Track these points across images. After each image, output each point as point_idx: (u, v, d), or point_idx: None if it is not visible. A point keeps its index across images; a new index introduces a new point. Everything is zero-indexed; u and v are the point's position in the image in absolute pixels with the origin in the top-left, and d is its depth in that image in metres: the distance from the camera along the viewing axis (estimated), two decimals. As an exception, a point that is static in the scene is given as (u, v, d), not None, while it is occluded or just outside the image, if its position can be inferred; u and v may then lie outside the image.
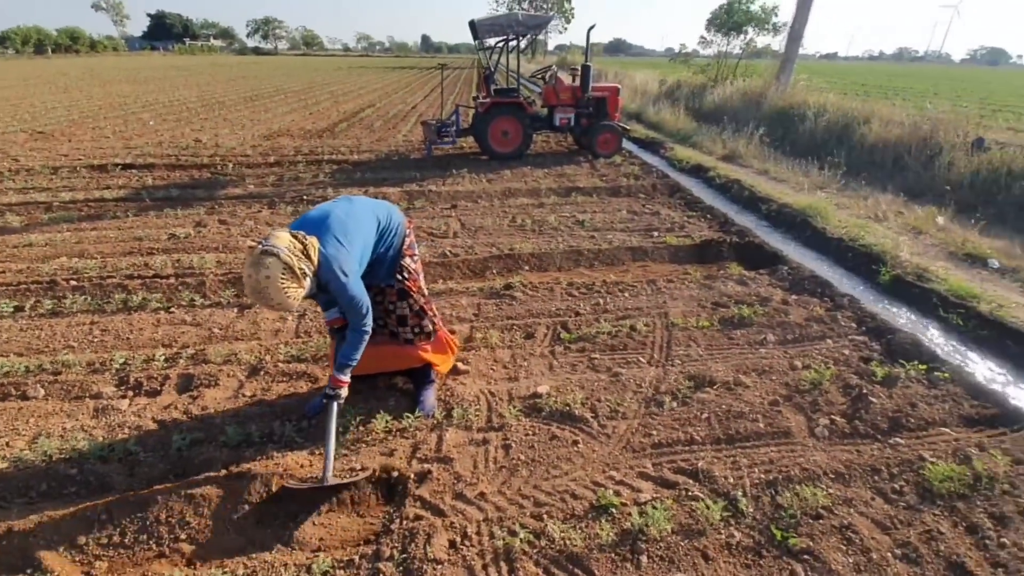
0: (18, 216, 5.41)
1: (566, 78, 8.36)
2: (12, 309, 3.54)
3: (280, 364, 2.94)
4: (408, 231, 2.49)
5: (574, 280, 4.08)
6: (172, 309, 3.57)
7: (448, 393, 2.72)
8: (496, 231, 5.12)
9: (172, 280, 3.89)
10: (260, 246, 1.80)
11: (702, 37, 14.82)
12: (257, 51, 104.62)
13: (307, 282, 1.88)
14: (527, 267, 4.37)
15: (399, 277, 2.43)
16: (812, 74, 13.20)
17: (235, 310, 3.59)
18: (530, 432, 2.44)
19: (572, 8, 49.11)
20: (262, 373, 2.87)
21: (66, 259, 4.30)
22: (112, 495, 2.10)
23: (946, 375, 2.84)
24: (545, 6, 49.13)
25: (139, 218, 5.37)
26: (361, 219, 2.17)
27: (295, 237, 1.88)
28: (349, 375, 2.20)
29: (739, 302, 3.68)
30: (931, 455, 2.31)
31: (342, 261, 1.99)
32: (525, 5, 48.13)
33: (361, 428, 2.45)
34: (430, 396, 2.62)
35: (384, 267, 2.38)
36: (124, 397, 2.70)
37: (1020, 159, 6.06)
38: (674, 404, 2.64)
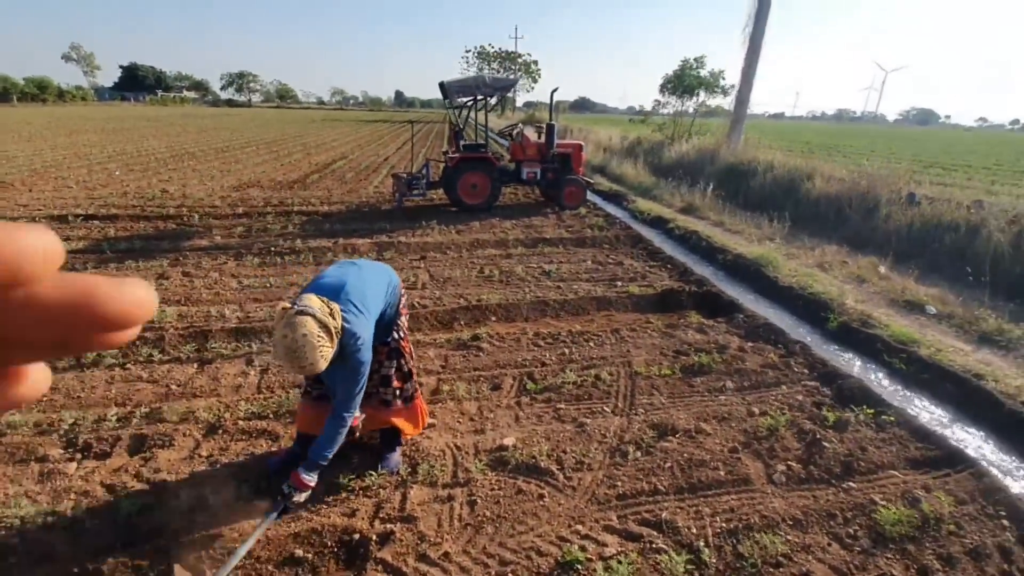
0: (-34, 269, 5.21)
1: (532, 135, 8.77)
2: (-47, 368, 3.37)
3: (240, 422, 2.87)
4: (402, 290, 2.56)
5: (540, 330, 4.16)
6: (128, 365, 3.46)
7: (414, 448, 2.70)
8: (464, 282, 5.20)
9: (130, 335, 3.78)
10: (294, 307, 1.83)
11: (657, 100, 15.84)
12: (231, 103, 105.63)
13: (336, 343, 1.89)
14: (494, 318, 4.44)
15: (395, 336, 2.46)
16: (761, 133, 14.21)
17: (195, 365, 3.50)
18: (496, 487, 2.44)
19: (539, 69, 51.85)
20: (220, 432, 2.79)
21: (16, 314, 4.14)
22: (54, 567, 1.98)
23: (892, 418, 2.99)
24: (513, 67, 51.73)
25: (98, 271, 5.25)
26: (374, 285, 2.23)
27: (321, 300, 1.91)
28: (316, 477, 2.11)
29: (699, 350, 3.81)
30: (882, 498, 2.40)
31: (360, 327, 2.03)
32: (495, 65, 50.57)
33: (321, 487, 2.40)
34: (395, 454, 2.59)
35: (383, 326, 2.39)
36: (71, 460, 2.57)
37: (948, 212, 6.59)
38: (638, 454, 2.68)
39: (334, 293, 2.07)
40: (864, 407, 3.09)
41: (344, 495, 2.37)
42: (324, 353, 1.84)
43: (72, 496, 2.33)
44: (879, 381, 3.71)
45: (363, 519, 2.22)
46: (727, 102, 14.17)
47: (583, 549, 2.09)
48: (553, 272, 5.49)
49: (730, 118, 13.24)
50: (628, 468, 2.59)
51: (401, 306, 2.52)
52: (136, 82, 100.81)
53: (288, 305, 1.88)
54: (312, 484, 2.12)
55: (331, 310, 1.93)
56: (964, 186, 10.41)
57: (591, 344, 3.95)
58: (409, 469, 2.54)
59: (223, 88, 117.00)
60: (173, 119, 38.72)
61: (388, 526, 2.17)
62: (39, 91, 77.47)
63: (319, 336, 1.82)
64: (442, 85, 7.77)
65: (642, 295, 4.88)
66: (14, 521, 2.17)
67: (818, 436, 2.83)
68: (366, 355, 2.10)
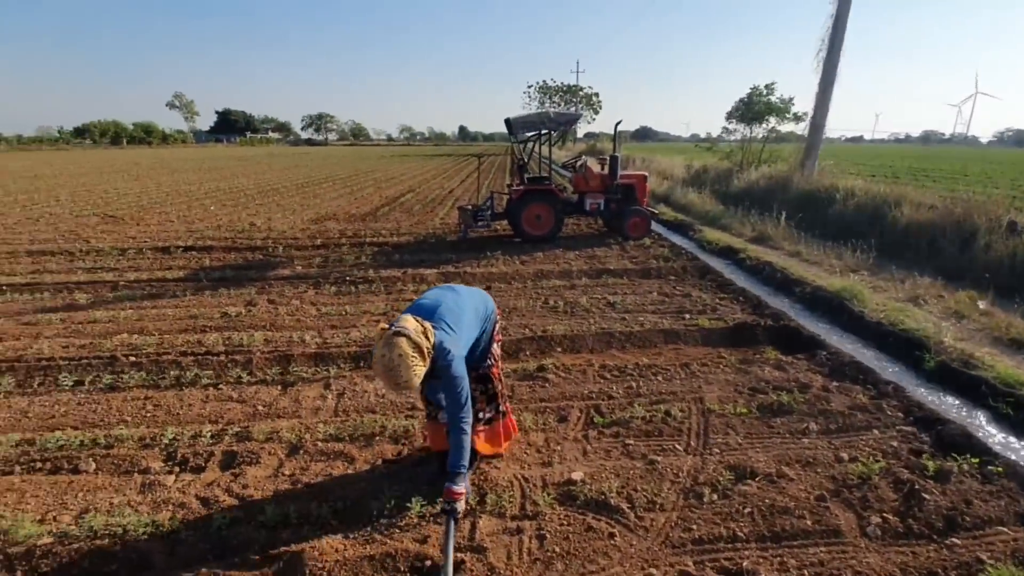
0: (85, 294, 5.87)
1: (595, 166, 8.84)
2: (72, 383, 3.77)
3: (319, 443, 3.01)
4: (498, 316, 2.66)
5: (607, 362, 4.11)
6: (220, 386, 3.74)
7: (481, 477, 2.71)
8: (529, 312, 5.25)
9: (222, 357, 4.10)
10: (392, 328, 1.98)
11: (724, 127, 15.54)
12: (310, 142, 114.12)
13: (428, 361, 2.02)
14: (560, 349, 4.43)
15: (487, 363, 2.57)
16: (838, 158, 13.52)
17: (279, 388, 3.73)
18: (565, 522, 2.40)
19: (600, 101, 52.44)
20: (301, 452, 2.94)
21: (127, 335, 4.60)
22: (152, 574, 2.14)
23: (1000, 469, 2.68)
24: (574, 100, 52.62)
25: (195, 297, 5.75)
26: (465, 308, 2.35)
27: (416, 320, 2.06)
28: (463, 484, 2.19)
29: (778, 388, 3.61)
30: (989, 557, 2.15)
31: (451, 344, 2.14)
32: (556, 99, 51.67)
33: (395, 512, 2.45)
34: (465, 481, 2.62)
35: (479, 351, 2.52)
36: (170, 473, 2.79)
37: (1062, 243, 5.94)
38: (714, 496, 2.55)
39: (430, 313, 2.22)
40: (968, 456, 2.80)
41: (416, 520, 2.41)
42: (416, 372, 1.97)
43: (170, 508, 2.52)
44: (984, 427, 3.35)
45: (435, 546, 2.24)
46: (800, 128, 13.67)
47: (658, 595, 2.00)
48: (618, 303, 5.42)
49: (802, 144, 12.74)
50: (704, 511, 2.47)
51: (495, 332, 2.62)
52: (229, 125, 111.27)
53: (386, 326, 2.02)
54: (463, 492, 2.18)
55: (424, 329, 2.05)
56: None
57: (659, 378, 3.84)
58: (477, 498, 2.55)
59: (303, 128, 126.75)
60: (259, 158, 42.24)
61: (458, 555, 2.18)
62: (146, 135, 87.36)
63: (412, 356, 1.94)
64: (508, 121, 8.04)
65: (713, 328, 4.71)
66: (117, 530, 2.36)
67: (917, 487, 2.58)
68: (459, 369, 2.18)
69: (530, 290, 6.01)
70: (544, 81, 52.78)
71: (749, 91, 14.57)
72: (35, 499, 2.59)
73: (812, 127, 11.76)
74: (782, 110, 14.92)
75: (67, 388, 3.71)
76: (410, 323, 2.03)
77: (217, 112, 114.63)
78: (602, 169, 8.89)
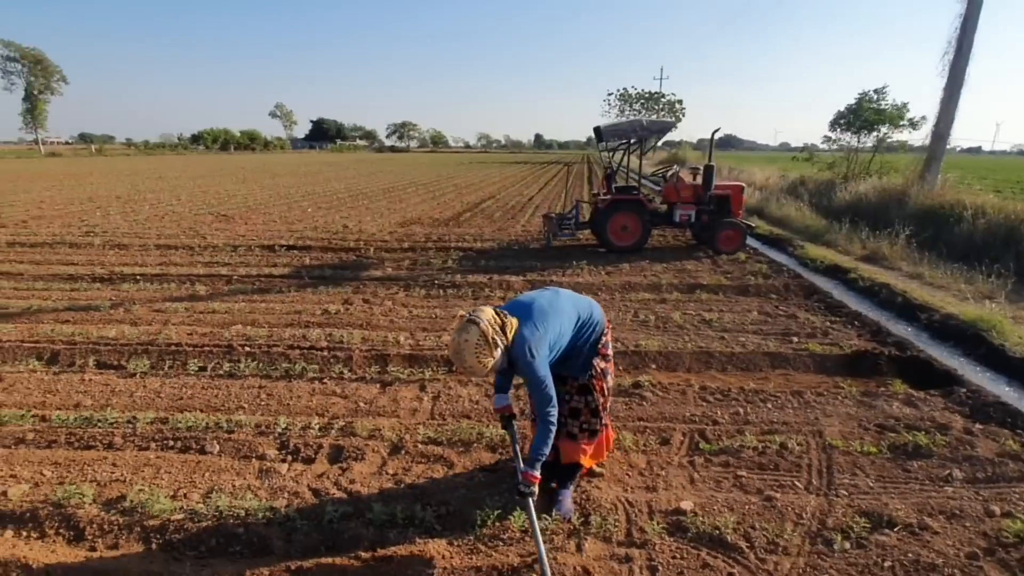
0: (204, 286, 6.41)
1: (687, 176, 8.49)
2: (197, 368, 4.10)
3: (419, 445, 3.05)
4: (607, 330, 2.58)
5: (707, 384, 3.87)
6: (325, 380, 3.92)
7: (583, 496, 2.61)
8: (619, 326, 5.08)
9: (325, 353, 4.30)
10: (468, 315, 2.07)
11: (827, 136, 14.41)
12: (393, 149, 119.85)
13: (498, 353, 2.07)
14: (654, 365, 4.24)
15: (588, 373, 2.50)
16: (957, 169, 12.11)
17: (377, 386, 3.84)
18: (677, 555, 2.25)
19: (683, 108, 50.77)
20: (403, 452, 2.99)
21: (241, 326, 4.95)
22: (272, 559, 2.23)
23: None
24: (656, 107, 51.34)
25: (298, 294, 6.11)
26: (561, 311, 2.32)
27: (497, 313, 2.12)
28: (539, 469, 2.22)
29: (911, 427, 3.22)
30: None
31: (533, 343, 2.14)
32: (637, 107, 50.68)
33: (497, 524, 2.42)
34: (568, 498, 2.55)
35: (578, 361, 2.47)
36: (284, 461, 2.93)
37: None
38: (847, 544, 2.29)
39: (521, 309, 2.25)
40: None
41: (519, 535, 2.35)
42: (483, 360, 2.04)
43: (285, 495, 2.64)
44: None
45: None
46: (919, 136, 12.42)
47: (790, 650, 1.81)
48: (714, 321, 5.13)
49: (919, 153, 11.56)
50: (836, 560, 2.22)
51: (601, 346, 2.52)
52: (321, 133, 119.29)
53: (464, 313, 2.10)
54: (539, 477, 2.20)
55: (503, 323, 2.10)
56: None
57: (769, 406, 3.56)
58: (581, 519, 2.46)
59: (388, 136, 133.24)
60: (348, 164, 44.83)
61: (566, 577, 2.10)
62: (250, 141, 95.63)
63: (478, 343, 2.02)
64: (598, 129, 7.92)
65: (826, 354, 4.32)
66: (239, 512, 2.50)
67: (1101, 559, 2.18)
68: (541, 371, 2.17)
69: (618, 302, 5.84)
70: (624, 89, 51.89)
71: (857, 97, 13.43)
72: (168, 475, 2.80)
73: (935, 136, 10.63)
74: (896, 117, 13.64)
75: (193, 373, 4.04)
76: (487, 314, 2.09)
77: (312, 121, 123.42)
78: (694, 179, 8.53)
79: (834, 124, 13.96)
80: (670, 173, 8.51)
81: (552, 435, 2.23)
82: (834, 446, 3.04)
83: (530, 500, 2.17)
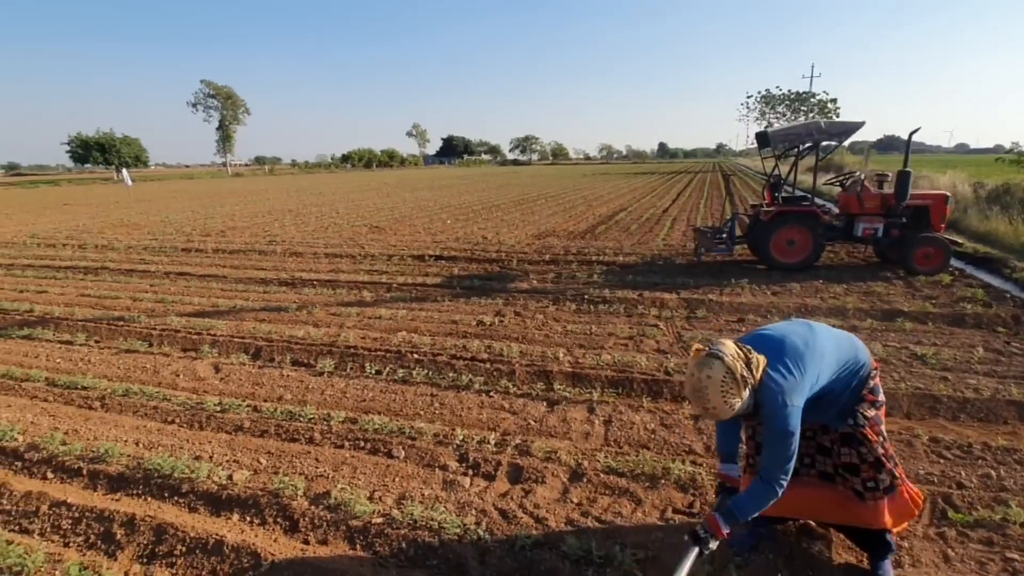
0: (369, 292, 6.92)
1: (872, 184, 7.40)
2: (374, 372, 4.36)
3: (600, 474, 2.87)
4: (875, 372, 2.15)
5: (937, 435, 3.20)
6: (491, 393, 3.92)
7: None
8: (802, 354, 4.47)
9: (488, 365, 4.33)
10: (708, 349, 1.85)
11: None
12: (515, 162, 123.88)
13: (746, 393, 1.80)
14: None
15: (849, 422, 2.08)
16: None
17: (544, 404, 3.75)
18: (960, 661, 1.78)
19: (837, 108, 45.61)
20: (584, 480, 2.83)
21: (405, 333, 5.21)
22: (470, 581, 2.18)
23: None
24: (803, 108, 46.77)
25: (452, 303, 6.33)
26: (821, 352, 1.96)
27: (739, 347, 1.86)
28: (730, 528, 1.92)
29: None
30: None
31: (788, 390, 1.83)
32: (780, 109, 46.62)
33: (707, 579, 2.13)
34: (889, 567, 2.15)
35: (833, 409, 2.08)
36: (466, 475, 2.93)
37: None
38: None
39: (768, 345, 1.92)
40: None
41: (737, 599, 2.05)
42: (729, 400, 1.78)
43: (473, 512, 2.61)
44: None
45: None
46: None
47: None
48: (929, 357, 4.29)
49: None
50: None
51: (868, 391, 2.09)
52: (450, 149, 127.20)
53: (702, 347, 1.86)
54: (726, 533, 1.92)
55: (749, 359, 1.81)
56: None
57: (1030, 471, 2.82)
58: (812, 589, 2.08)
59: (511, 150, 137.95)
60: (476, 177, 46.98)
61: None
62: (389, 159, 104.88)
63: (723, 381, 1.77)
64: (764, 134, 7.22)
65: (1107, 410, 3.36)
66: (432, 523, 2.50)
67: None
68: (791, 423, 1.83)
69: (794, 327, 5.17)
70: (767, 90, 48.03)
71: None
72: (363, 476, 2.94)
73: None
74: None
75: (371, 376, 4.30)
76: (729, 347, 1.82)
77: (442, 138, 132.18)
78: (880, 187, 7.41)
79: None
80: (850, 181, 7.47)
81: (770, 501, 1.88)
82: None
83: (697, 549, 1.90)
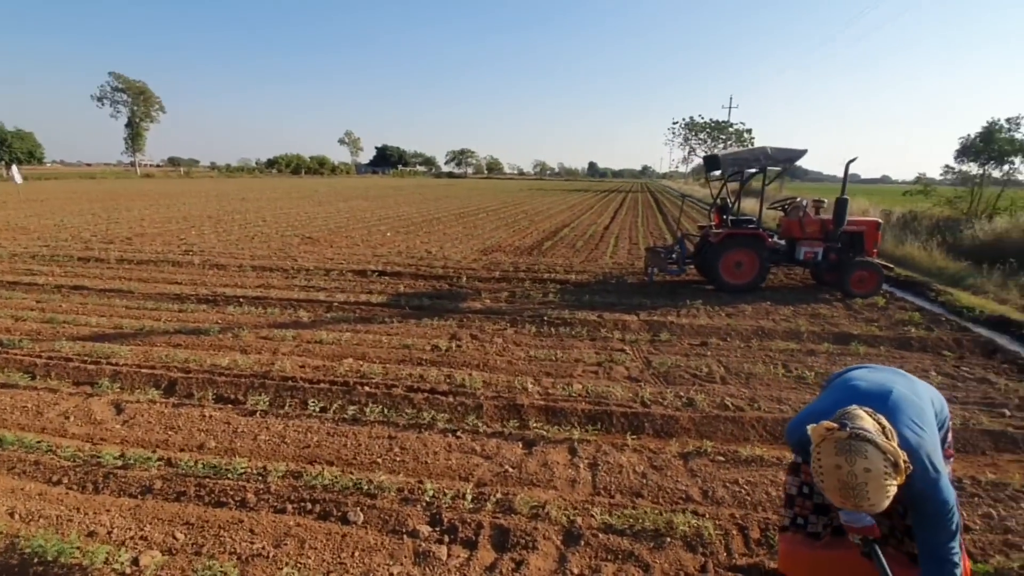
0: (306, 311, 6.22)
1: (811, 210, 7.70)
2: (319, 409, 3.76)
3: (598, 534, 2.50)
4: (948, 420, 1.91)
5: (923, 468, 3.13)
6: (458, 433, 3.46)
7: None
8: (772, 382, 4.40)
9: (450, 398, 3.87)
10: (846, 428, 1.43)
11: (947, 167, 13.11)
12: (451, 175, 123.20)
13: (903, 477, 1.44)
14: (840, 437, 3.52)
15: None
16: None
17: (519, 444, 3.35)
18: None
19: (752, 138, 49.19)
20: (581, 543, 2.45)
21: (352, 361, 4.63)
22: None
23: None
24: (723, 137, 50.03)
25: (402, 325, 5.79)
26: (923, 399, 1.69)
27: (873, 416, 1.48)
28: None
29: None
30: None
31: (929, 450, 1.51)
32: (703, 135, 49.57)
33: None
34: None
35: None
36: (441, 542, 2.46)
37: None
38: None
39: (874, 400, 1.59)
40: None
41: None
42: (890, 492, 1.43)
43: (457, 594, 2.15)
44: None
45: None
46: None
47: None
48: (890, 382, 4.34)
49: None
50: None
51: (947, 446, 1.84)
52: (384, 159, 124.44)
53: (834, 425, 1.45)
54: None
55: (885, 429, 1.46)
56: None
57: (1022, 505, 2.79)
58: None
59: (446, 162, 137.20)
60: (412, 188, 46.01)
61: None
62: (319, 166, 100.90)
63: (885, 472, 1.40)
64: (713, 158, 7.32)
65: (1068, 438, 3.46)
66: (406, 608, 2.03)
67: None
68: (949, 491, 1.54)
69: (757, 352, 5.14)
70: (691, 117, 51.02)
71: (986, 125, 12.13)
72: (314, 552, 2.38)
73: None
74: (1030, 148, 12.23)
75: (315, 414, 3.70)
76: (868, 422, 1.44)
77: (376, 147, 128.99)
78: (816, 213, 7.73)
79: (961, 154, 12.66)
80: (790, 206, 7.75)
81: None
82: None
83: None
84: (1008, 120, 11.89)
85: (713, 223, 7.91)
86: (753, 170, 7.48)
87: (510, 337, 5.47)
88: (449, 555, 2.38)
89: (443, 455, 3.21)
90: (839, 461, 1.41)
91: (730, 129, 50.60)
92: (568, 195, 38.93)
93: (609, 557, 2.38)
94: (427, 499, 2.74)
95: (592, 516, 2.62)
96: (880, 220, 7.57)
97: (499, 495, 2.78)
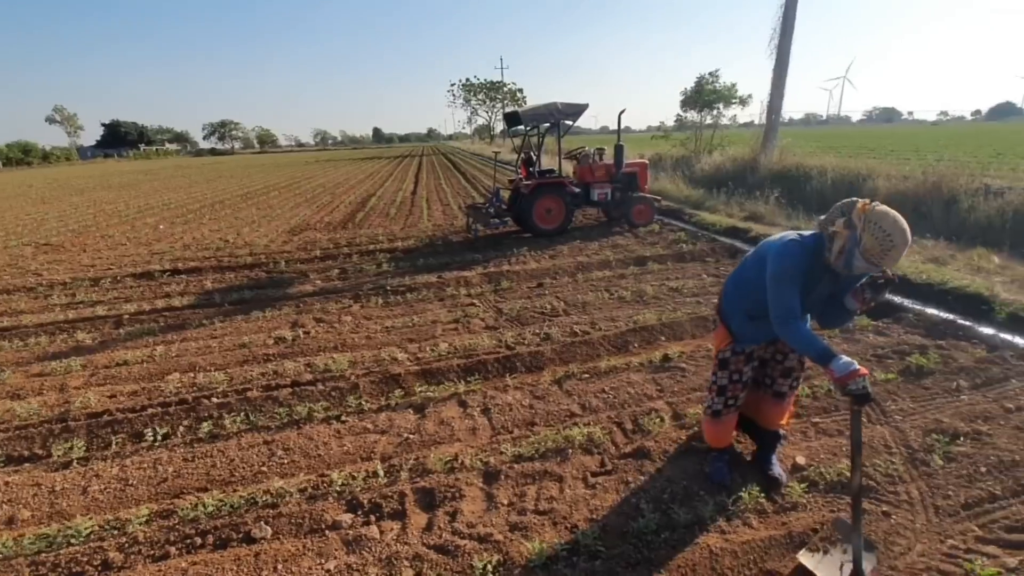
0: (87, 333, 5.01)
1: (596, 157, 8.84)
2: (161, 437, 3.19)
3: (513, 466, 2.74)
4: None
5: (721, 346, 4.09)
6: (344, 418, 3.32)
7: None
8: (603, 305, 5.13)
9: (319, 386, 3.65)
10: (871, 203, 1.84)
11: (679, 115, 16.20)
12: (214, 152, 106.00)
13: None
14: (663, 337, 4.36)
15: None
16: (793, 138, 14.42)
17: (410, 411, 3.37)
18: (841, 510, 2.34)
19: (524, 97, 52.97)
20: (501, 477, 2.66)
21: (179, 375, 3.97)
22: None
23: None
24: (499, 96, 52.75)
25: (227, 324, 5.09)
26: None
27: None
28: (840, 361, 1.80)
29: (898, 352, 3.76)
30: None
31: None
32: (480, 96, 51.54)
33: (678, 533, 2.27)
34: (777, 460, 2.62)
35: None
36: (369, 523, 2.42)
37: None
38: (942, 461, 2.60)
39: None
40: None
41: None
42: None
43: (407, 564, 2.17)
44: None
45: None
46: (747, 113, 14.44)
47: (980, 565, 1.99)
48: (681, 288, 5.44)
49: (757, 130, 13.51)
50: (945, 476, 2.50)
51: None
52: (119, 138, 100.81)
53: (864, 200, 1.88)
54: (861, 369, 1.78)
55: None
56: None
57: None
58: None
59: (205, 138, 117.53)
60: (167, 171, 38.66)
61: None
62: (23, 155, 77.36)
63: None
64: (514, 114, 7.83)
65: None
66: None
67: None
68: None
69: (583, 284, 5.89)
70: (467, 79, 52.47)
71: (697, 79, 15.29)
72: (229, 581, 2.13)
73: (769, 110, 12.51)
74: (727, 96, 15.77)
75: (158, 444, 3.13)
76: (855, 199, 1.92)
77: (104, 125, 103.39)
78: (600, 159, 8.92)
79: (683, 104, 15.73)
80: (581, 154, 8.78)
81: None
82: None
83: (861, 406, 1.82)
84: (711, 74, 15.26)
85: (521, 176, 8.54)
86: (547, 124, 8.21)
87: (358, 313, 5.26)
88: (382, 532, 2.36)
89: (335, 443, 3.06)
90: (892, 213, 1.78)
91: (504, 88, 53.56)
92: (361, 164, 37.17)
93: (528, 481, 2.64)
94: (337, 489, 2.62)
95: (502, 453, 2.84)
96: (647, 161, 9.10)
97: (411, 463, 2.81)
